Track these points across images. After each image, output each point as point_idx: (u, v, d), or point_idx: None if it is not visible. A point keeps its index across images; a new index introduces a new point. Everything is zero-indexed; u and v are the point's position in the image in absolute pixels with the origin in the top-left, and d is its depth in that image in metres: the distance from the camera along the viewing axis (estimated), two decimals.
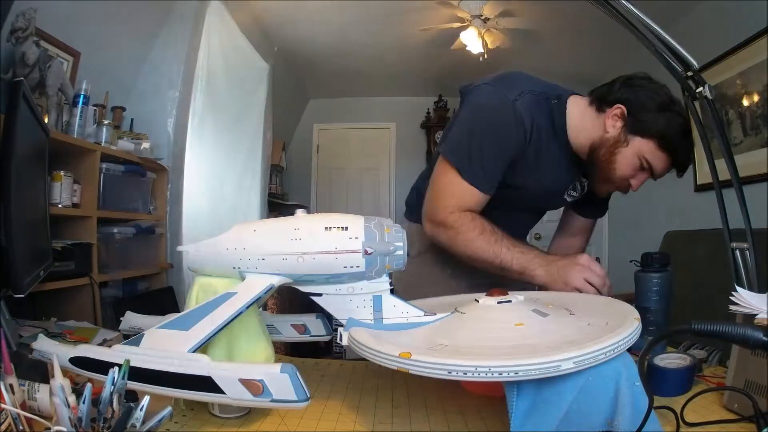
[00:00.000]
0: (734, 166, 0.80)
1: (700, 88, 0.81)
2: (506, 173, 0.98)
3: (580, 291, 0.89)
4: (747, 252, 0.80)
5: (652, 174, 0.95)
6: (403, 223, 1.22)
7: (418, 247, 1.15)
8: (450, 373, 0.52)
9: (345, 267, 0.64)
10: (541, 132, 0.95)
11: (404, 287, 1.18)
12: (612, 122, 0.92)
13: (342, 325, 0.69)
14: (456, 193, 0.98)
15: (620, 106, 0.92)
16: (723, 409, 0.68)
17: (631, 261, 0.94)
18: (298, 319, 0.88)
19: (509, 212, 1.07)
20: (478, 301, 0.69)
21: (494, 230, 0.97)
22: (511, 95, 0.93)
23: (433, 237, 1.04)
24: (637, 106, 0.90)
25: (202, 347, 0.60)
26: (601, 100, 0.95)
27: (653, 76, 0.97)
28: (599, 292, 0.88)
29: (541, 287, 0.94)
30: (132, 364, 0.51)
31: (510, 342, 0.59)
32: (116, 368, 0.48)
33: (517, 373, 0.50)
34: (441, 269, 1.15)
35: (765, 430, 0.57)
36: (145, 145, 2.04)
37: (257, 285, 0.64)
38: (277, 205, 3.71)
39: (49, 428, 0.45)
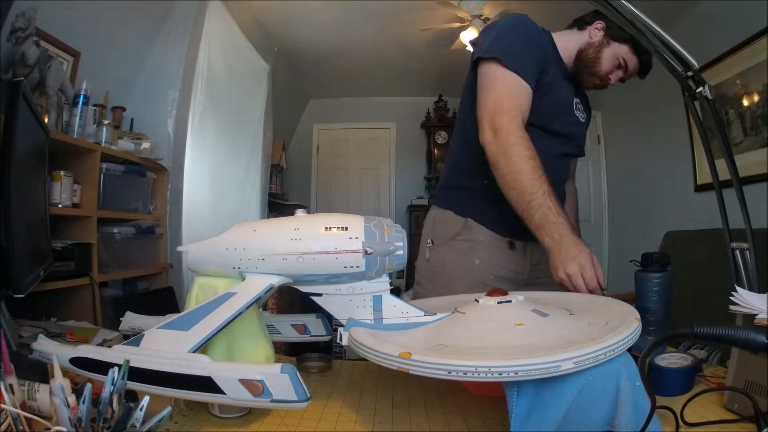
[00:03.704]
0: (734, 166, 0.80)
1: (700, 88, 0.81)
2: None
3: (563, 282, 0.90)
4: (747, 252, 0.80)
5: (625, 72, 1.15)
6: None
7: (445, 234, 1.17)
8: (450, 373, 0.52)
9: (345, 267, 0.64)
10: (551, 60, 1.13)
11: (428, 276, 1.21)
12: (595, 32, 1.15)
13: (342, 325, 0.69)
14: (507, 91, 1.03)
15: (600, 21, 1.15)
16: (723, 409, 0.68)
17: (631, 261, 0.94)
18: (298, 319, 0.88)
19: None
20: (478, 301, 0.69)
21: (542, 167, 0.97)
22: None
23: (488, 144, 1.01)
24: (613, 22, 1.08)
25: (202, 347, 0.60)
26: (580, 22, 1.20)
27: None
28: (580, 289, 0.88)
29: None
30: (132, 364, 0.51)
31: (510, 342, 0.59)
32: (116, 368, 0.48)
33: (517, 373, 0.50)
34: (469, 258, 1.15)
35: (765, 430, 0.57)
36: (145, 145, 2.04)
37: (257, 285, 0.64)
38: (277, 205, 3.71)
39: (49, 428, 0.45)
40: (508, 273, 1.15)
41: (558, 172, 1.16)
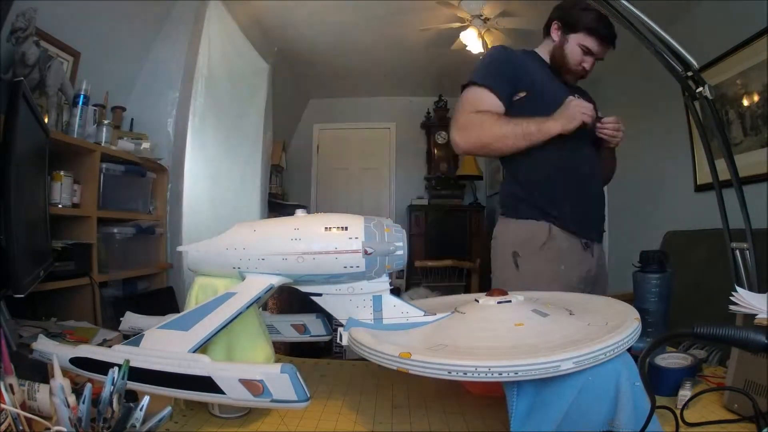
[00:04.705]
0: (734, 166, 0.80)
1: (700, 88, 0.81)
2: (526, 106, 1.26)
3: (584, 120, 1.17)
4: (747, 252, 0.80)
5: (594, 55, 1.29)
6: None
7: (533, 244, 1.25)
8: (450, 373, 0.52)
9: (345, 267, 0.64)
10: (533, 70, 1.32)
11: (521, 286, 1.20)
12: (555, 33, 1.33)
13: (342, 325, 0.69)
14: (471, 99, 1.27)
15: (555, 21, 1.34)
16: (723, 409, 0.68)
17: (634, 265, 0.93)
18: (298, 319, 0.88)
19: (565, 148, 1.24)
20: (478, 301, 0.69)
21: (508, 116, 1.23)
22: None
23: (465, 148, 1.29)
24: (564, 16, 1.32)
25: (202, 347, 0.60)
26: (545, 30, 1.37)
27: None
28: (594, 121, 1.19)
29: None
30: (132, 364, 0.51)
31: (510, 342, 0.59)
32: (116, 368, 0.48)
33: (517, 373, 0.50)
34: (556, 265, 1.24)
35: (765, 430, 0.57)
36: (145, 145, 2.04)
37: (257, 285, 0.64)
38: (277, 205, 3.71)
39: (49, 428, 0.45)
40: (584, 273, 1.27)
41: (587, 159, 1.31)
